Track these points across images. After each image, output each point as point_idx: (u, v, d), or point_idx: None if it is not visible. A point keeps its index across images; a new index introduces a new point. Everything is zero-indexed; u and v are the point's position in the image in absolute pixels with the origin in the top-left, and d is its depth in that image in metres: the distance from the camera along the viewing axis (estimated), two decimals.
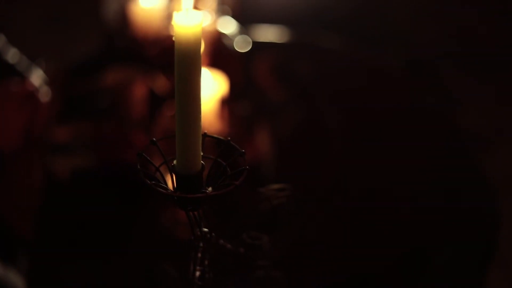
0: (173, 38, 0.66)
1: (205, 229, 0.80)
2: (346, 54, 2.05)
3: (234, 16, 1.76)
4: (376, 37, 3.40)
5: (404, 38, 3.44)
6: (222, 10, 1.74)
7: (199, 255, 0.81)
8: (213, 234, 0.78)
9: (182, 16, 0.65)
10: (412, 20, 3.45)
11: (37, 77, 1.70)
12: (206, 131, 0.73)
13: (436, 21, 3.86)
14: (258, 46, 1.76)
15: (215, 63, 1.67)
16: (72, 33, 3.84)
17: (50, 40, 3.77)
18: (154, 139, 0.72)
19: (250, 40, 1.79)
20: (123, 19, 1.88)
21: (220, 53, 1.68)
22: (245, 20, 1.73)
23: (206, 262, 0.84)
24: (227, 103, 1.55)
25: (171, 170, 0.71)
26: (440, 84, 3.27)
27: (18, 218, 1.40)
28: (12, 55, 1.79)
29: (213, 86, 1.58)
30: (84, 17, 3.91)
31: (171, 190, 0.71)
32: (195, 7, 0.65)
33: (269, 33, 2.05)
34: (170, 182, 0.70)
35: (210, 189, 0.72)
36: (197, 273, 0.84)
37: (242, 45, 1.70)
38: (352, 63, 1.99)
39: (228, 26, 1.76)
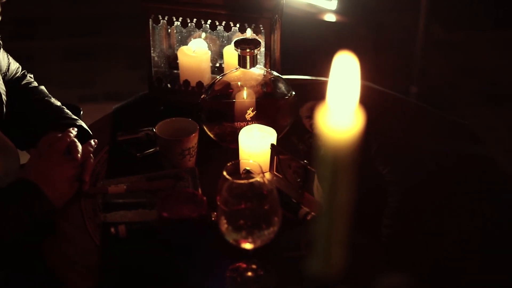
0: (323, 140, 0.59)
1: None
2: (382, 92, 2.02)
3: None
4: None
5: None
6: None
7: None
8: None
9: (335, 119, 0.58)
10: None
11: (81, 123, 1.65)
12: None
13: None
14: (298, 88, 1.71)
15: (267, 108, 1.64)
16: (96, 68, 3.77)
17: (75, 76, 3.71)
18: None
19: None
20: (169, 62, 1.84)
21: (272, 97, 1.65)
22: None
23: None
24: (279, 153, 1.51)
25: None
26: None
27: (74, 277, 1.35)
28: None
29: (266, 137, 1.54)
30: (109, 50, 3.86)
31: None
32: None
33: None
34: None
35: None
36: None
37: (286, 88, 1.66)
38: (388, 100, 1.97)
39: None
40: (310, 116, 1.80)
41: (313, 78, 2.01)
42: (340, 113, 0.55)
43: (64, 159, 1.49)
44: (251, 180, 1.27)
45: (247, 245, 1.22)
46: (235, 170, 1.38)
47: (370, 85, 2.06)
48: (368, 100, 1.87)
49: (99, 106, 3.31)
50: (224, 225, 1.23)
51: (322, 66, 2.84)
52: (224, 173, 1.31)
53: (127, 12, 3.83)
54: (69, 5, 4.17)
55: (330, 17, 3.28)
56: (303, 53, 3.24)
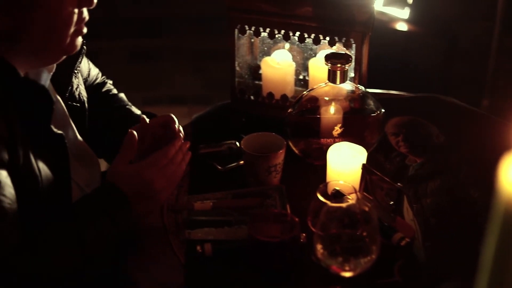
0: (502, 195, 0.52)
1: None
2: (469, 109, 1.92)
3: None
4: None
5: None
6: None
7: None
8: None
9: None
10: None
11: None
12: None
13: None
14: (381, 103, 1.64)
15: (355, 125, 1.58)
16: (160, 70, 3.73)
17: (139, 77, 3.66)
18: None
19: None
20: (252, 72, 1.79)
21: (360, 113, 1.59)
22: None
23: None
24: (370, 173, 1.45)
25: None
26: None
27: None
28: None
29: (356, 156, 1.48)
30: (174, 53, 3.81)
31: None
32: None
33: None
34: None
35: None
36: None
37: (375, 105, 1.60)
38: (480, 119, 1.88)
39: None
40: (396, 133, 1.74)
41: (397, 93, 1.94)
42: None
43: (162, 174, 1.36)
44: (347, 204, 1.22)
45: (346, 274, 1.17)
46: (325, 190, 1.33)
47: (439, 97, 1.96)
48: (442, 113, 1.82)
49: (164, 109, 3.29)
50: (320, 250, 1.18)
51: (392, 77, 2.75)
52: (319, 195, 1.26)
53: (194, 14, 3.80)
54: (134, 5, 4.16)
55: (402, 26, 3.20)
56: (374, 63, 3.17)
